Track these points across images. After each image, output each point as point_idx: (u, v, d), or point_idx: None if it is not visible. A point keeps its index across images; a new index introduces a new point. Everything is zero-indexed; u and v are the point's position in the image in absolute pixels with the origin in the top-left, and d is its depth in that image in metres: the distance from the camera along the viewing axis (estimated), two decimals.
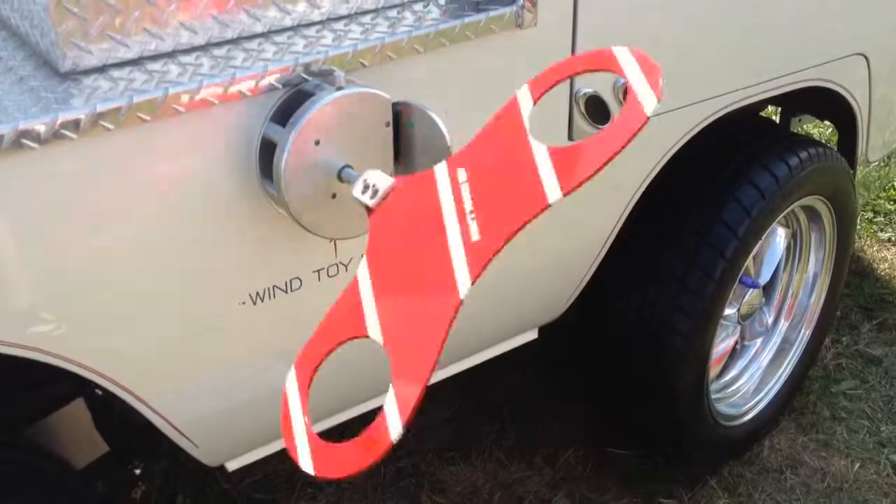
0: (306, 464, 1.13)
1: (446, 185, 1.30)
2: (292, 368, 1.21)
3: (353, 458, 1.10)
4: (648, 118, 1.17)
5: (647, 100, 1.18)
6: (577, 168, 1.20)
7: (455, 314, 1.16)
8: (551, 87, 1.32)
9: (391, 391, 1.11)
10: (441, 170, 1.32)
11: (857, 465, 2.67)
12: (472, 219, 1.24)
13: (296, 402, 1.18)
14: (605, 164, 1.17)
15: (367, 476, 2.60)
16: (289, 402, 1.19)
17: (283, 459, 2.55)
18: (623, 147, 1.17)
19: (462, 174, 1.29)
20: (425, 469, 2.64)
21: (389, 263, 1.27)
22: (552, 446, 2.71)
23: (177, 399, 1.58)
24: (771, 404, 2.67)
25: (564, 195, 1.20)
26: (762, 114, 2.70)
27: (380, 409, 1.11)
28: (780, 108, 2.81)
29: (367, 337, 1.19)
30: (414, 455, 2.68)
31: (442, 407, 2.79)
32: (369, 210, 1.35)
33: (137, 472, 1.96)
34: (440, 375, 2.02)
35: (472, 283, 1.18)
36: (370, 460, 1.08)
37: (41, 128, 1.23)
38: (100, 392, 1.78)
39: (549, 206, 1.20)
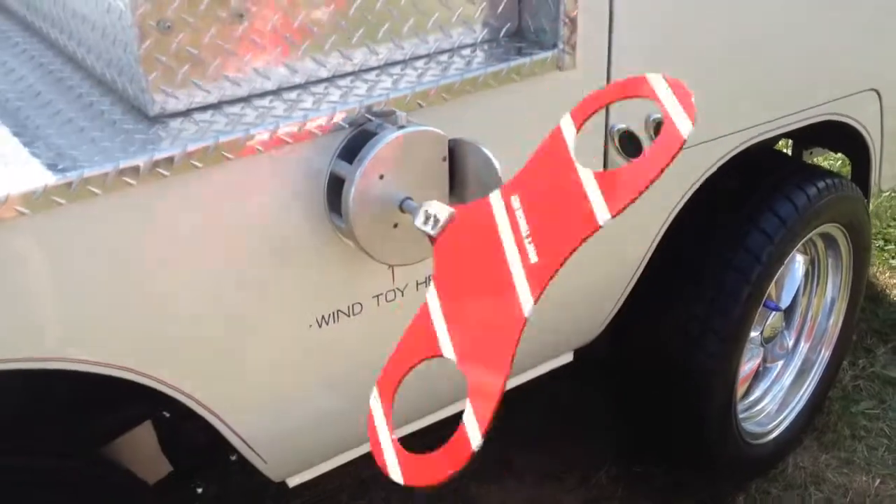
0: (395, 474, 1.21)
1: (502, 211, 1.40)
2: (375, 388, 1.30)
3: (437, 468, 1.18)
4: (685, 140, 1.24)
5: (683, 124, 1.26)
6: (622, 191, 1.28)
7: (520, 333, 1.26)
8: (592, 115, 1.41)
9: (468, 406, 1.20)
10: (496, 197, 1.42)
11: (878, 480, 2.77)
12: (529, 242, 1.33)
13: (381, 418, 1.27)
14: (648, 185, 1.26)
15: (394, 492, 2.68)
16: (374, 419, 1.27)
17: (331, 481, 2.67)
18: (663, 169, 1.25)
19: (515, 201, 1.39)
20: (458, 487, 2.71)
21: (455, 288, 1.37)
22: (585, 467, 2.79)
23: (251, 417, 1.69)
24: (794, 423, 2.77)
25: (613, 216, 1.28)
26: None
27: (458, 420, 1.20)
28: (791, 142, 2.93)
29: (442, 356, 1.28)
30: None
31: None
32: (432, 239, 1.47)
33: (199, 490, 2.07)
34: None
35: (535, 303, 1.27)
36: (453, 469, 1.17)
37: (140, 165, 1.36)
38: (167, 414, 1.89)
39: (600, 227, 1.29)
